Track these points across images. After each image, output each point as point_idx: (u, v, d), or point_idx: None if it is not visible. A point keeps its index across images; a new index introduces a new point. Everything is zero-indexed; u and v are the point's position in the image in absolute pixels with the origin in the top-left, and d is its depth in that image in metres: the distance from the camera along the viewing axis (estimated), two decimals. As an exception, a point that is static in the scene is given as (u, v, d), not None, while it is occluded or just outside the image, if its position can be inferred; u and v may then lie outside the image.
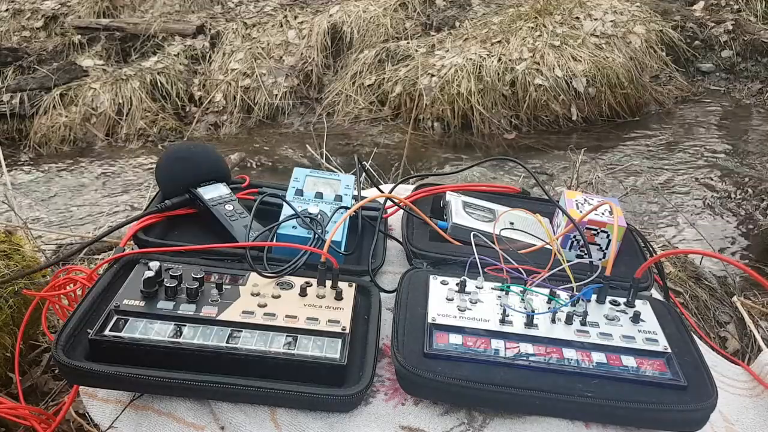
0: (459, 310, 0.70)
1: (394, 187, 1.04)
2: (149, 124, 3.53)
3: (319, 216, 0.84)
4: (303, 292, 0.76)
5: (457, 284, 0.74)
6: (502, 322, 0.69)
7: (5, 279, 0.89)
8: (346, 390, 0.64)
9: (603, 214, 0.85)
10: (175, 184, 0.93)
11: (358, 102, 3.64)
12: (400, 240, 0.91)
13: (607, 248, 0.85)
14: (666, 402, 0.61)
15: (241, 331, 0.70)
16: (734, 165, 3.04)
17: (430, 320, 0.69)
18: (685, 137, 3.33)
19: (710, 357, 0.77)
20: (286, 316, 0.71)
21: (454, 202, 0.93)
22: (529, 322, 0.68)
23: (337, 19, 3.99)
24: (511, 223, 0.90)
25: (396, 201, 0.95)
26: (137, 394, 0.71)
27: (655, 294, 0.84)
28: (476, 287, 0.74)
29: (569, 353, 0.66)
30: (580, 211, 0.85)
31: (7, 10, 4.37)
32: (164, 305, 0.71)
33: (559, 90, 3.41)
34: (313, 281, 0.77)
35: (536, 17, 3.79)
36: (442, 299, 0.72)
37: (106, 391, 0.72)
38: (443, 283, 0.75)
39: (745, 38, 3.91)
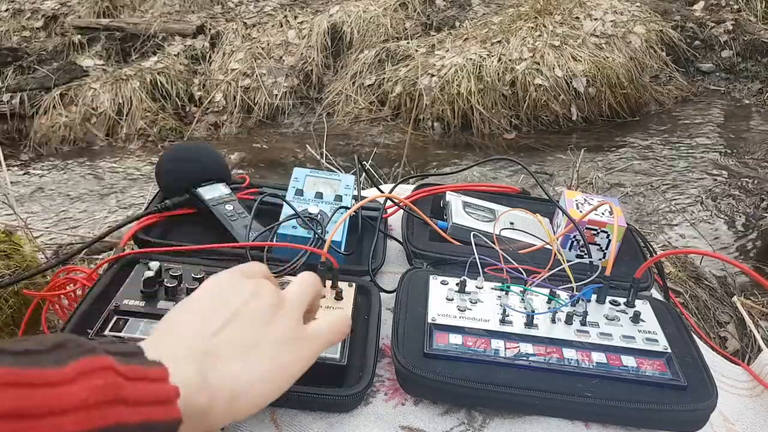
0: (459, 310, 0.70)
1: (394, 187, 1.04)
2: (149, 124, 3.54)
3: (319, 216, 0.84)
4: (303, 292, 0.75)
5: (457, 284, 0.74)
6: (502, 322, 0.68)
7: (6, 283, 0.89)
8: (346, 390, 0.64)
9: (603, 214, 0.85)
10: (175, 184, 0.93)
11: (358, 102, 3.64)
12: (400, 240, 0.91)
13: (607, 248, 0.85)
14: (666, 402, 0.61)
15: (241, 331, 0.70)
16: (734, 165, 3.04)
17: (430, 320, 0.68)
18: (685, 137, 3.34)
19: (710, 357, 0.77)
20: (286, 316, 0.71)
21: (454, 202, 0.93)
22: (529, 322, 0.68)
23: (337, 19, 3.99)
24: (511, 223, 0.90)
25: (396, 201, 0.95)
26: (137, 394, 0.70)
27: (655, 294, 0.84)
28: (476, 287, 0.74)
29: (569, 353, 0.66)
30: (580, 211, 0.85)
31: (7, 10, 4.37)
32: (165, 305, 0.71)
33: (559, 90, 3.41)
34: (313, 281, 0.77)
35: (536, 17, 3.79)
36: (442, 299, 0.72)
37: (106, 391, 0.71)
38: (443, 283, 0.75)
39: (745, 38, 3.91)
